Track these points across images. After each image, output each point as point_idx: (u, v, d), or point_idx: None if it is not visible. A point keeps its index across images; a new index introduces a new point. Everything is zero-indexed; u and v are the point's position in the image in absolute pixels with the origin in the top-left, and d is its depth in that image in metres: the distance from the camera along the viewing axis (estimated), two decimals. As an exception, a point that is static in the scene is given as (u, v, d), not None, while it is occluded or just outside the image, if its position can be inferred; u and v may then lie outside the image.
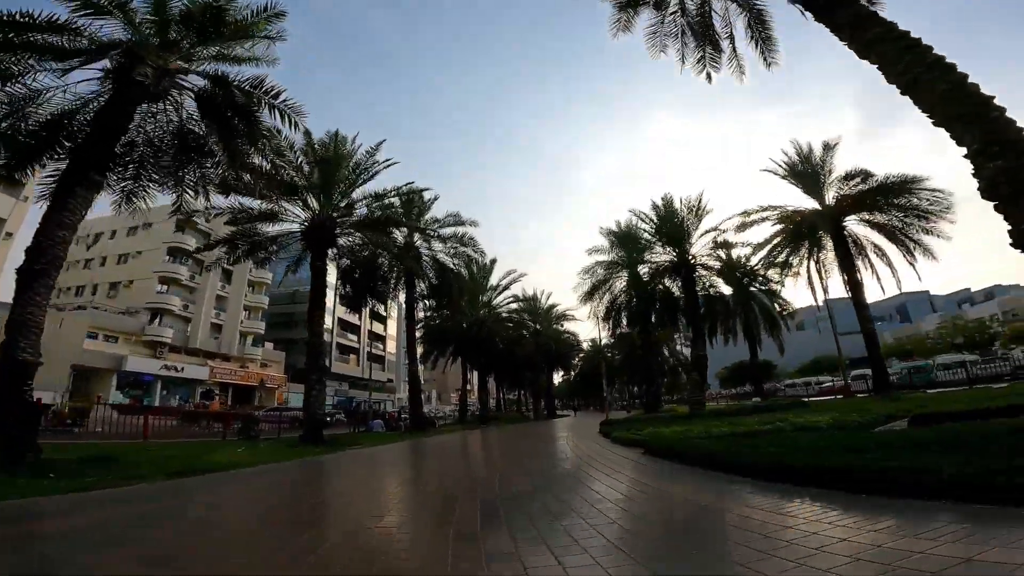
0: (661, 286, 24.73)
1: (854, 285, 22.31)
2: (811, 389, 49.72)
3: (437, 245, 28.67)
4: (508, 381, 65.08)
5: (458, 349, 35.85)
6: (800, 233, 24.37)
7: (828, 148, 23.94)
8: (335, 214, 20.65)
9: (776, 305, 31.66)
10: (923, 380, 33.84)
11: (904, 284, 32.93)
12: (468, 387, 37.21)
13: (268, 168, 14.94)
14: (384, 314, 76.11)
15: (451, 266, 27.91)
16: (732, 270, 21.91)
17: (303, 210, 20.20)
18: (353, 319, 78.44)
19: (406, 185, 24.01)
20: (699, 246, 23.45)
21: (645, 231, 25.13)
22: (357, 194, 21.91)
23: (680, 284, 23.98)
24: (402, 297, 30.60)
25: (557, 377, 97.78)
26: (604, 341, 63.38)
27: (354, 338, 78.62)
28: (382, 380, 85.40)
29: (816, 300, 25.24)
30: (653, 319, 30.20)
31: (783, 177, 25.96)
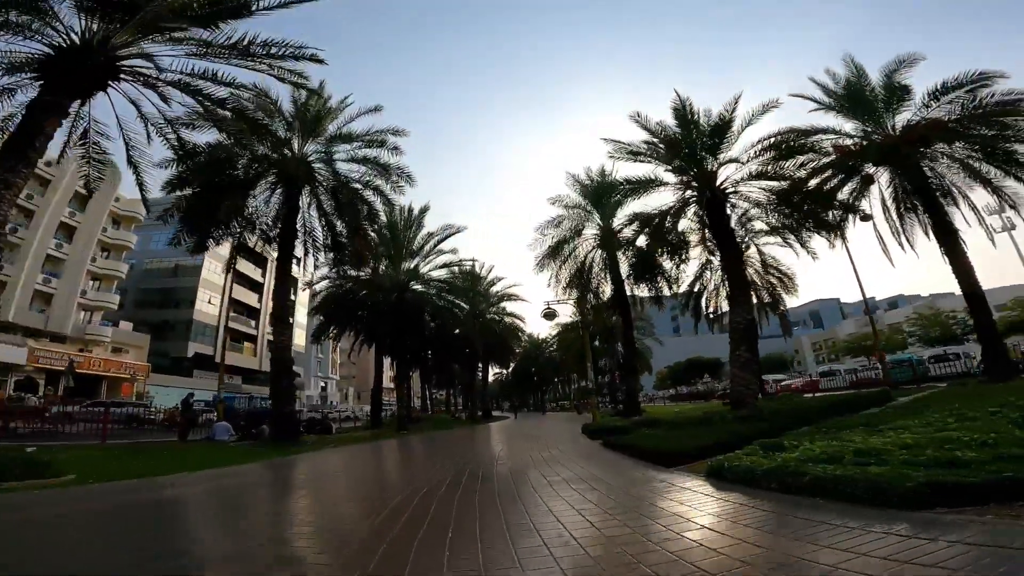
0: (668, 233, 16.90)
1: (945, 232, 15.74)
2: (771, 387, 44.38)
3: (342, 161, 19.34)
4: (437, 375, 55.83)
5: (371, 325, 26.39)
6: (850, 168, 17.54)
7: (904, 64, 17.18)
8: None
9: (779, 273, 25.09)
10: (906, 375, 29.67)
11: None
12: (388, 382, 27.64)
13: None
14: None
15: (357, 186, 18.60)
16: (789, 197, 14.49)
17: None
18: (252, 300, 65.62)
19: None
20: (729, 170, 15.93)
21: (645, 155, 17.23)
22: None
23: (701, 223, 16.43)
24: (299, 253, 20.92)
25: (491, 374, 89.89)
26: (554, 329, 56.01)
27: (253, 323, 65.77)
28: (286, 374, 72.98)
29: (888, 257, 18.50)
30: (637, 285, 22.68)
31: (825, 107, 19.14)
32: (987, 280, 16.66)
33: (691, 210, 17.08)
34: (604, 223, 24.99)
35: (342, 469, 10.02)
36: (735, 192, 15.80)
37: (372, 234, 20.19)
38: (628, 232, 24.10)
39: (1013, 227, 27.53)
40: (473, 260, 31.15)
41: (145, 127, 13.86)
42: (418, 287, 26.70)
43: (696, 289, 27.16)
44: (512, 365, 68.62)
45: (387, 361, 30.27)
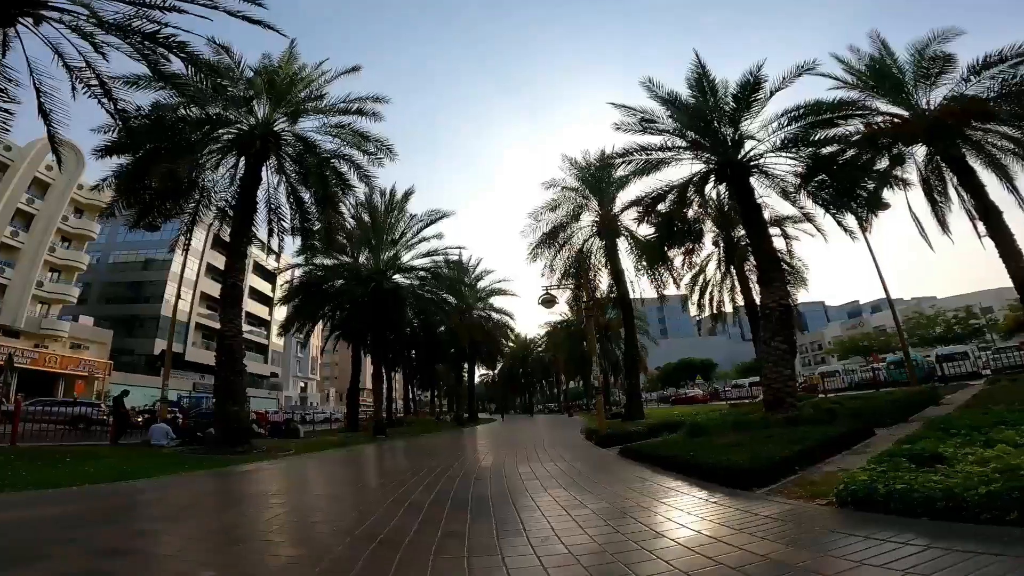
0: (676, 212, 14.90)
1: (988, 212, 14.00)
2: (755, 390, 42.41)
3: (314, 131, 17.05)
4: (420, 375, 53.46)
5: (347, 318, 23.92)
6: (879, 147, 15.72)
7: (937, 40, 15.40)
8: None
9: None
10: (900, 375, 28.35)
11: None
12: (369, 381, 25.17)
13: None
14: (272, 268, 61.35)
15: (327, 154, 16.26)
16: (828, 166, 12.56)
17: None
18: (227, 297, 62.60)
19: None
20: (751, 143, 13.98)
21: (658, 127, 15.19)
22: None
23: (719, 207, 14.50)
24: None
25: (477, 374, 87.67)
26: (544, 326, 53.48)
27: (226, 320, 62.80)
28: (262, 374, 69.69)
29: (928, 242, 16.71)
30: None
31: (848, 85, 17.32)
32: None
33: (708, 187, 15.14)
34: (603, 209, 23.03)
35: (279, 490, 7.80)
36: (756, 167, 13.89)
37: (345, 211, 17.89)
38: (630, 218, 22.24)
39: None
40: (460, 248, 28.25)
41: (70, 78, 11.57)
42: (399, 278, 24.40)
43: (700, 282, 25.35)
44: (499, 366, 66.38)
45: (368, 360, 27.95)
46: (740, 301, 25.79)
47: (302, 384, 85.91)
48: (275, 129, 16.24)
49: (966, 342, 36.00)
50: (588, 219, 23.71)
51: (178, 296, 26.89)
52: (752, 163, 13.70)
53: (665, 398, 52.26)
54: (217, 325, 52.77)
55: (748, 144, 14.06)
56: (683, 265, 17.98)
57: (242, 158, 16.77)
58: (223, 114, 15.43)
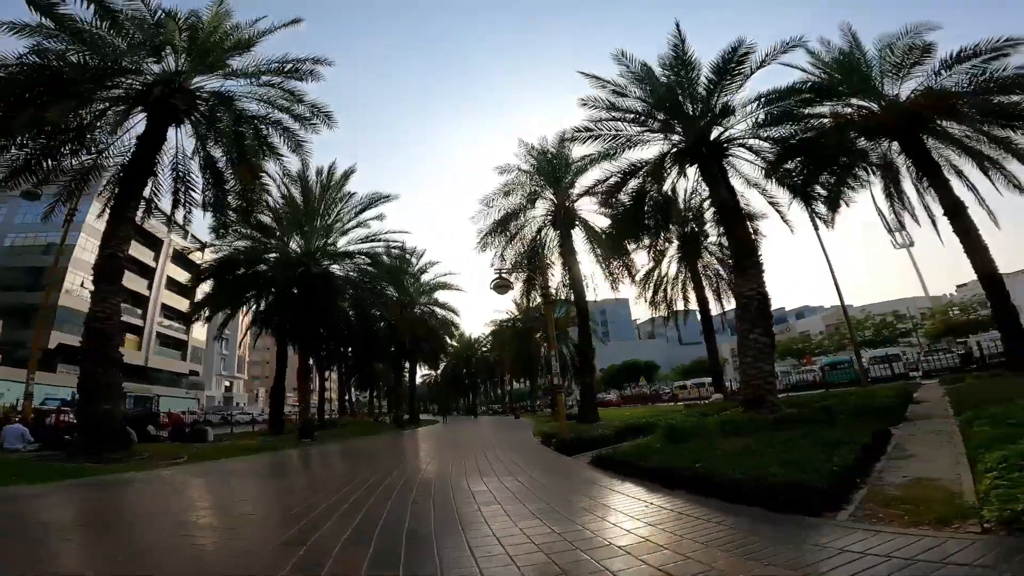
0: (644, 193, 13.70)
1: (955, 209, 13.71)
2: (704, 391, 42.67)
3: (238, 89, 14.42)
4: (359, 374, 50.24)
5: (272, 307, 20.97)
6: (847, 137, 15.22)
7: (909, 35, 15.04)
8: None
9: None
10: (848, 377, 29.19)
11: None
12: (292, 379, 22.21)
13: None
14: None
15: (248, 112, 13.76)
16: (812, 147, 11.63)
17: None
18: (139, 287, 56.31)
19: None
20: (726, 123, 12.94)
21: (628, 106, 13.89)
22: None
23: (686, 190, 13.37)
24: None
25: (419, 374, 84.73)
26: (489, 325, 51.56)
27: (139, 312, 56.58)
28: (180, 372, 63.58)
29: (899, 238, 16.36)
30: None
31: (816, 78, 16.79)
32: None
33: (673, 170, 14.03)
34: (559, 199, 21.64)
35: (120, 515, 5.65)
36: (731, 147, 12.89)
37: (271, 184, 15.43)
38: (587, 209, 21.01)
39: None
40: (404, 233, 25.22)
41: None
42: (335, 268, 21.82)
43: (656, 278, 24.57)
44: (443, 365, 63.90)
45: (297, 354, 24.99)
46: (693, 299, 25.29)
47: (227, 383, 79.46)
48: (190, 86, 13.55)
49: (892, 345, 37.88)
50: (542, 208, 22.27)
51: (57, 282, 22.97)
52: (728, 143, 12.65)
53: (624, 399, 51.91)
54: (128, 318, 46.76)
55: (723, 124, 13.04)
56: (650, 253, 16.84)
57: (144, 114, 13.99)
58: (123, 62, 12.64)
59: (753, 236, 12.29)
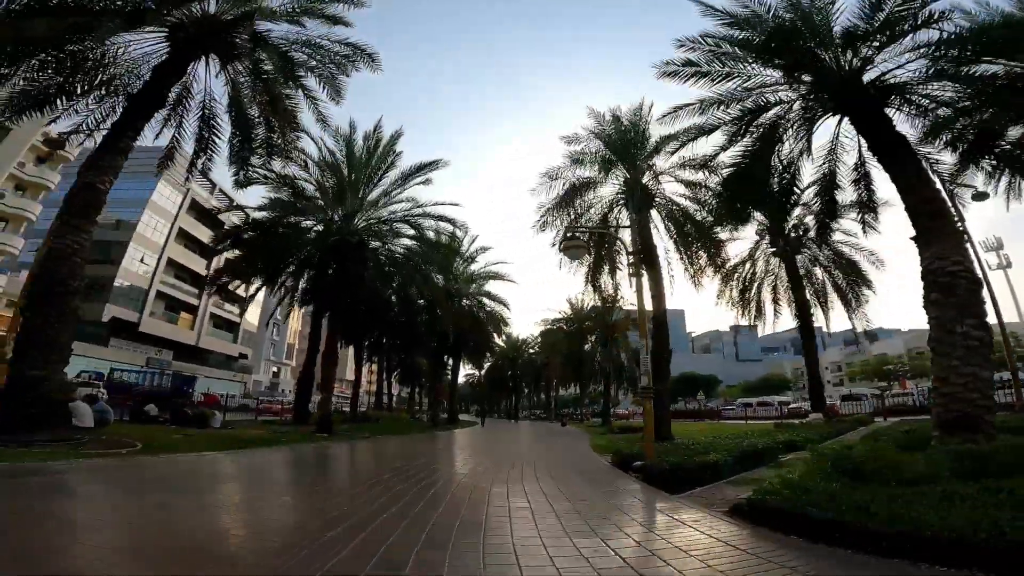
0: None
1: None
2: (781, 410, 37.78)
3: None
4: (401, 369, 48.58)
5: (309, 279, 18.77)
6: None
7: None
8: None
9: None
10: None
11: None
12: (350, 373, 19.89)
13: None
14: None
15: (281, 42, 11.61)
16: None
17: None
18: (198, 266, 57.24)
19: None
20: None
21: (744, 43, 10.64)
22: None
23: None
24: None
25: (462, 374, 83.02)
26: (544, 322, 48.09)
27: (194, 291, 57.47)
28: (230, 354, 64.33)
29: None
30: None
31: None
32: None
33: (801, 131, 10.64)
34: (632, 175, 18.46)
35: None
36: (886, 95, 9.40)
37: (307, 138, 13.22)
38: (669, 189, 17.83)
39: None
40: (454, 205, 21.85)
41: None
42: (375, 244, 19.51)
43: (744, 273, 20.89)
44: (487, 365, 61.44)
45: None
46: (783, 305, 21.38)
47: (275, 369, 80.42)
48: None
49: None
50: (611, 188, 19.18)
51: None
52: (886, 87, 9.15)
53: (675, 413, 47.39)
54: (183, 296, 46.87)
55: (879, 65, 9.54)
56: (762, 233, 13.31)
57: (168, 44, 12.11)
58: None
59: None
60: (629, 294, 20.10)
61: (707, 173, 14.43)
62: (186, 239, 57.05)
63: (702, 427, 21.85)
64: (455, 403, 40.83)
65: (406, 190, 19.30)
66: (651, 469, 7.07)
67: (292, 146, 13.19)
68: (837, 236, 19.93)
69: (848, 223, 19.36)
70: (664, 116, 14.83)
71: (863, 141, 9.98)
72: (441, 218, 20.11)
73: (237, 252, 19.36)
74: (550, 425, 40.39)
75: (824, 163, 11.27)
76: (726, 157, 11.97)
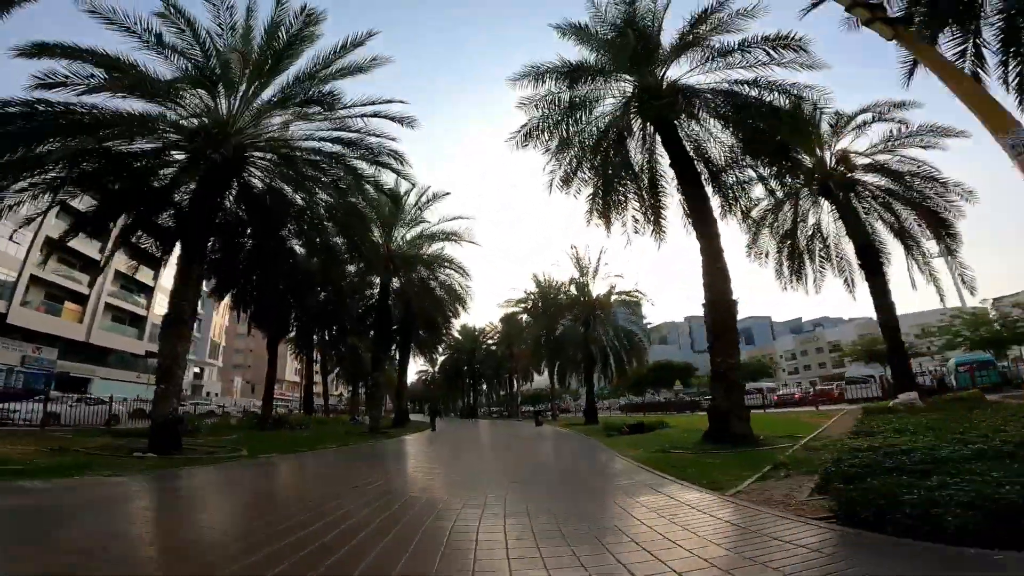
0: None
1: None
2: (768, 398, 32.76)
3: None
4: (340, 366, 41.51)
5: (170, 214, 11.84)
6: None
7: None
8: None
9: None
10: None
11: None
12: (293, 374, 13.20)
13: None
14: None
15: None
16: None
17: None
18: (91, 250, 47.34)
19: None
20: None
21: None
22: None
23: None
24: None
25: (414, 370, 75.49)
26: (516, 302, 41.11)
27: (84, 278, 47.65)
28: (134, 352, 54.54)
29: None
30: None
31: None
32: None
33: None
34: (643, 83, 12.78)
35: None
36: None
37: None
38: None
39: None
40: (401, 103, 13.60)
41: None
42: (268, 157, 12.76)
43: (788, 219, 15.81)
44: (440, 360, 54.93)
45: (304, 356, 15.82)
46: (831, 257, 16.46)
47: (196, 369, 70.29)
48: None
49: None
50: (612, 105, 13.45)
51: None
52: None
53: (637, 406, 41.77)
54: (70, 284, 36.60)
55: None
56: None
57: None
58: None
59: None
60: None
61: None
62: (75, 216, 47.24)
63: (775, 419, 16.45)
64: (404, 402, 34.04)
65: (326, 83, 12.68)
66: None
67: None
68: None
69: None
70: None
71: None
72: (379, 137, 13.59)
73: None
74: (519, 425, 34.31)
75: None
76: None
